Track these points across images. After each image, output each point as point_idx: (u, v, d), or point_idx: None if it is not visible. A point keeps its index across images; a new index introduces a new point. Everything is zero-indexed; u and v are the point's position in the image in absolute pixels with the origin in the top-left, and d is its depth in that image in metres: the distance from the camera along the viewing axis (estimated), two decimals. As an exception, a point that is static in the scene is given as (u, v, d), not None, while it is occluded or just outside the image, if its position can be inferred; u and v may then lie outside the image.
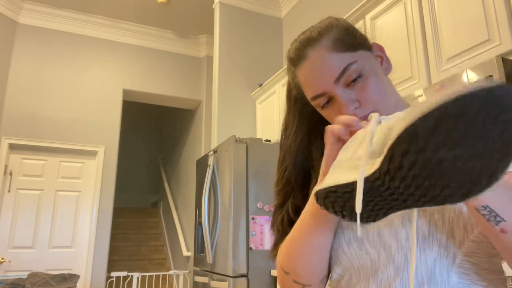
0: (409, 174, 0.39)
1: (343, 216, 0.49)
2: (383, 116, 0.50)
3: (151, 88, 4.70)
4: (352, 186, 0.44)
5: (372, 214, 0.47)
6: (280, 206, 0.73)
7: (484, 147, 0.37)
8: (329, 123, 0.73)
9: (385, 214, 0.47)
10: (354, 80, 0.62)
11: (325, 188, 0.46)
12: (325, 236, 0.62)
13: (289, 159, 0.74)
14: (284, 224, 0.71)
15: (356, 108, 0.62)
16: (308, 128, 0.75)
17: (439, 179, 0.39)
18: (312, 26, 0.68)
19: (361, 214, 0.47)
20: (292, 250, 0.64)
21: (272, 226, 0.74)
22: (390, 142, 0.39)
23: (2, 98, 3.96)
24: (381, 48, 0.70)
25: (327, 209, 0.49)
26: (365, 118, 0.63)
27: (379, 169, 0.41)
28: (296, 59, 0.67)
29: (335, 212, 0.49)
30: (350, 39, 0.65)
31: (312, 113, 0.74)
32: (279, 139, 0.81)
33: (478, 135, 0.37)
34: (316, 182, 0.68)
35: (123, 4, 4.33)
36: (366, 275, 0.60)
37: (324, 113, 0.68)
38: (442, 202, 0.41)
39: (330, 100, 0.65)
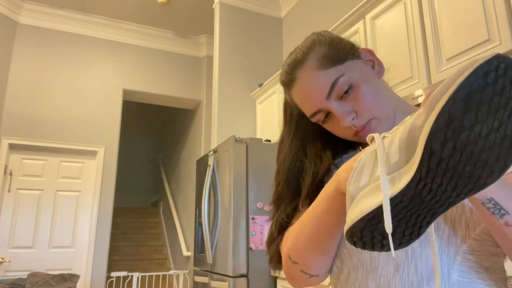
0: (450, 164, 0.37)
1: (378, 246, 0.46)
2: (383, 134, 0.50)
3: (151, 88, 4.70)
4: (379, 208, 0.41)
5: (406, 234, 0.44)
6: (273, 218, 0.75)
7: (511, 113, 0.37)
8: (325, 136, 0.75)
9: (429, 222, 0.44)
10: (346, 92, 0.64)
11: (351, 227, 0.43)
12: (338, 234, 0.61)
13: (282, 173, 0.75)
14: (281, 231, 0.72)
15: (353, 119, 0.64)
16: (302, 142, 0.76)
17: (478, 159, 0.38)
18: (297, 47, 0.71)
19: (394, 237, 0.44)
20: (303, 243, 0.64)
21: (268, 240, 0.76)
22: (423, 137, 0.38)
23: (2, 98, 3.96)
24: (370, 52, 0.70)
25: (357, 246, 0.46)
26: (363, 127, 0.65)
27: (418, 172, 0.39)
28: (288, 82, 0.71)
29: (365, 246, 0.45)
30: (335, 53, 0.66)
31: (308, 126, 0.76)
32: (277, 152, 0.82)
33: (505, 102, 0.37)
34: (306, 195, 0.70)
35: (123, 4, 4.33)
36: (365, 272, 0.60)
37: (327, 126, 0.70)
38: (484, 185, 0.40)
39: (328, 114, 0.67)
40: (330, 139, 0.75)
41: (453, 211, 0.56)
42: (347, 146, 0.76)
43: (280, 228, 0.72)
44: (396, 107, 0.68)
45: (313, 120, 0.69)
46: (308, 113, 0.68)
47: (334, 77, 0.64)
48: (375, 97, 0.65)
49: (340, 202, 0.55)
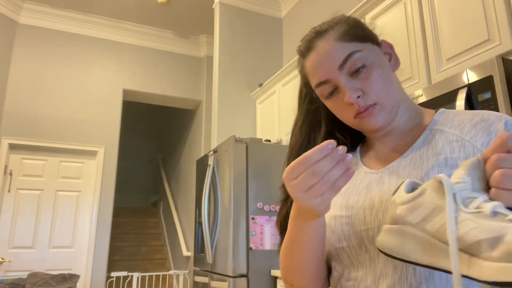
0: None
1: None
2: (414, 180, 0.49)
3: (151, 88, 4.70)
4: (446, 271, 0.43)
5: None
6: (284, 201, 0.75)
7: None
8: (332, 121, 0.75)
9: None
10: (358, 70, 0.64)
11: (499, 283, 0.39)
12: (312, 235, 0.61)
13: (293, 158, 0.75)
14: (286, 219, 0.72)
15: (358, 97, 0.63)
16: (311, 128, 0.77)
17: None
18: (323, 22, 0.71)
19: None
20: (288, 263, 0.66)
21: (277, 222, 0.76)
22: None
23: (2, 98, 3.96)
24: (390, 46, 0.71)
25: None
26: (367, 108, 0.64)
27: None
28: (305, 50, 0.70)
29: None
30: (358, 32, 0.67)
31: (317, 111, 0.76)
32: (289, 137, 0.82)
33: None
34: None
35: (123, 4, 4.33)
36: (364, 273, 0.60)
37: (329, 103, 0.69)
38: None
39: (334, 91, 0.67)
40: (334, 131, 0.76)
41: None
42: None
43: (286, 228, 0.72)
44: (401, 101, 0.68)
45: (318, 91, 0.69)
46: (315, 81, 0.68)
47: (351, 50, 0.64)
48: (385, 83, 0.65)
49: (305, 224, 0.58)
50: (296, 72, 3.09)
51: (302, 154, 0.71)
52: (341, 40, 0.66)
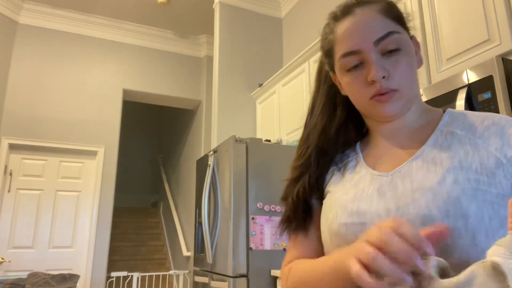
0: None
1: None
2: (437, 258, 0.45)
3: (151, 88, 4.70)
4: None
5: None
6: (296, 180, 0.74)
7: None
8: (347, 110, 0.73)
9: None
10: (391, 52, 0.62)
11: None
12: None
13: (312, 138, 0.74)
14: (299, 196, 0.72)
15: (383, 78, 0.61)
16: (330, 111, 0.75)
17: None
18: None
19: None
20: None
21: (286, 197, 0.75)
22: None
23: (2, 98, 3.96)
24: (418, 44, 0.70)
25: None
26: (387, 92, 0.62)
27: None
28: (341, 13, 0.67)
29: None
30: (399, 15, 0.66)
31: (335, 95, 0.74)
32: (306, 118, 0.80)
33: None
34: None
35: (123, 4, 4.33)
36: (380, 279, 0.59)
37: (347, 78, 0.66)
38: None
39: (359, 65, 0.64)
40: (348, 122, 0.75)
41: (473, 220, 0.55)
42: (346, 143, 0.75)
43: (297, 204, 0.72)
44: (416, 97, 0.67)
45: (341, 61, 0.65)
46: (344, 50, 0.64)
47: (392, 29, 0.63)
48: (411, 74, 0.63)
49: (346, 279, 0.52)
50: (296, 72, 3.09)
51: (320, 136, 0.73)
52: (383, 15, 0.64)
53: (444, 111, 0.71)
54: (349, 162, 0.72)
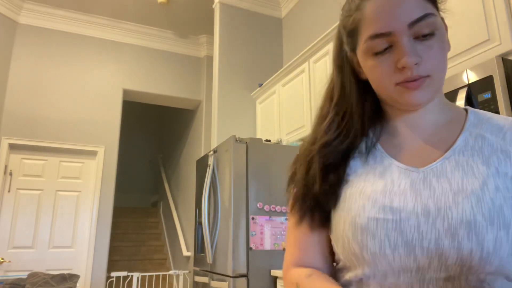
0: None
1: None
2: None
3: (151, 88, 4.70)
4: None
5: None
6: (327, 144, 0.67)
7: None
8: (362, 102, 0.67)
9: None
10: (425, 36, 0.57)
11: None
12: None
13: (323, 131, 0.67)
14: (328, 165, 0.65)
15: (416, 64, 0.56)
16: (347, 101, 0.67)
17: None
18: None
19: None
20: None
21: (292, 178, 0.69)
22: None
23: (2, 98, 3.96)
24: (447, 28, 0.67)
25: None
26: (417, 79, 0.57)
27: None
28: None
29: None
30: None
31: (353, 85, 0.68)
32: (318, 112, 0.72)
33: None
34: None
35: (123, 4, 4.33)
36: (409, 281, 0.55)
37: (373, 61, 0.60)
38: None
39: (387, 48, 0.58)
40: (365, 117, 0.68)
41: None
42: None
43: (310, 161, 0.66)
44: (443, 85, 0.63)
45: (368, 43, 0.59)
46: (374, 30, 0.58)
47: (429, 11, 0.57)
48: (443, 59, 0.59)
49: None
50: (296, 72, 3.09)
51: (332, 131, 0.66)
52: None
53: (466, 110, 0.68)
54: (370, 148, 0.66)
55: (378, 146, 0.66)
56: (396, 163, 0.62)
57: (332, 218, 0.63)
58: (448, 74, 1.71)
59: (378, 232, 0.56)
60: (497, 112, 1.40)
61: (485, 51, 1.59)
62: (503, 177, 0.56)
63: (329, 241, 0.65)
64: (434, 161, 0.60)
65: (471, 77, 1.52)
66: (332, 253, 0.66)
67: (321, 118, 0.69)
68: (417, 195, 0.57)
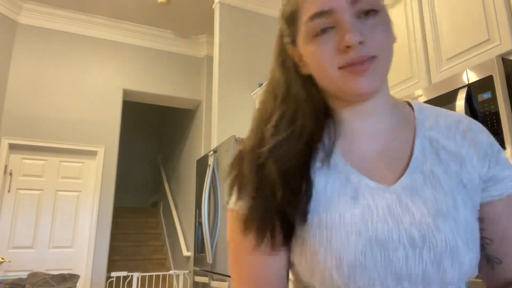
0: None
1: None
2: None
3: (151, 88, 4.70)
4: None
5: None
6: (282, 144, 0.59)
7: None
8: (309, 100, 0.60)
9: None
10: (368, 14, 0.52)
11: None
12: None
13: (303, 114, 0.59)
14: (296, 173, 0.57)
15: (360, 43, 0.51)
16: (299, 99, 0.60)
17: None
18: None
19: None
20: None
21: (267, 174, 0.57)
22: None
23: (2, 98, 3.96)
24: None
25: None
26: (364, 60, 0.51)
27: None
28: None
29: None
30: None
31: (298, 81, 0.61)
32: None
33: None
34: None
35: (123, 4, 4.33)
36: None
37: (313, 45, 0.54)
38: None
39: (327, 29, 0.53)
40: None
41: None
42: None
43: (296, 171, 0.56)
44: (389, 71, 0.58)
45: (310, 25, 0.54)
46: (314, 9, 0.53)
47: None
48: (389, 40, 0.54)
49: None
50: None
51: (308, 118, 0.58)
52: None
53: (410, 105, 0.64)
54: (329, 157, 0.58)
55: (338, 153, 0.58)
56: (364, 180, 0.56)
57: (301, 241, 0.54)
58: (448, 74, 1.71)
59: (368, 268, 0.51)
60: (497, 113, 1.40)
61: (485, 51, 1.59)
62: (462, 187, 0.55)
63: (288, 265, 0.57)
64: (401, 176, 0.56)
65: (471, 77, 1.52)
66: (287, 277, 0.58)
67: (265, 116, 0.61)
68: (399, 222, 0.52)
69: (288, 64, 0.62)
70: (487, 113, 1.43)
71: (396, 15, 2.07)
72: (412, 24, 1.96)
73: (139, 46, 4.75)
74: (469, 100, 1.49)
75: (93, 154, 4.28)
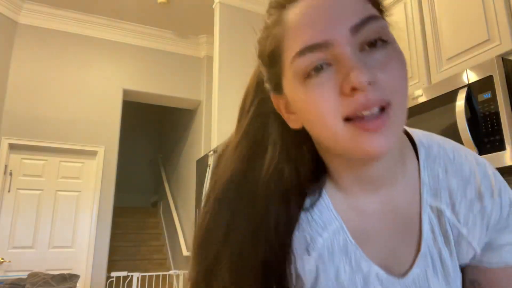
0: None
1: None
2: None
3: (151, 88, 4.70)
4: None
5: None
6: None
7: None
8: (286, 138, 0.50)
9: None
10: (375, 45, 0.41)
11: None
12: None
13: (222, 198, 0.48)
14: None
15: (370, 84, 0.39)
16: (255, 145, 0.50)
17: None
18: None
19: None
20: None
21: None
22: None
23: (2, 98, 3.96)
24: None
25: None
26: (374, 104, 0.39)
27: None
28: None
29: None
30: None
31: (267, 119, 0.51)
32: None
33: None
34: None
35: (123, 4, 4.33)
36: None
37: (304, 89, 0.42)
38: None
39: (323, 67, 0.41)
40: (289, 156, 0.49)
41: None
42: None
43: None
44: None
45: (298, 62, 0.41)
46: (304, 43, 0.41)
47: (373, 13, 0.41)
48: (406, 79, 0.42)
49: None
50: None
51: (236, 192, 0.47)
52: None
53: (412, 142, 0.53)
54: (335, 236, 0.49)
55: (341, 222, 0.50)
56: (374, 269, 0.49)
57: None
58: (448, 74, 1.71)
59: None
60: (497, 113, 1.40)
61: (485, 51, 1.59)
62: (459, 265, 0.51)
63: None
64: (411, 265, 0.50)
65: (471, 77, 1.52)
66: None
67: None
68: None
69: (270, 119, 0.51)
70: (487, 113, 1.43)
71: (396, 15, 2.07)
72: (412, 24, 1.96)
73: (139, 46, 4.75)
74: (469, 100, 1.49)
75: (93, 154, 4.28)
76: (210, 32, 4.72)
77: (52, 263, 3.90)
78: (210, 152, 2.96)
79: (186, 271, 4.29)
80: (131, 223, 5.95)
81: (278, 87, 0.47)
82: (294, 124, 0.47)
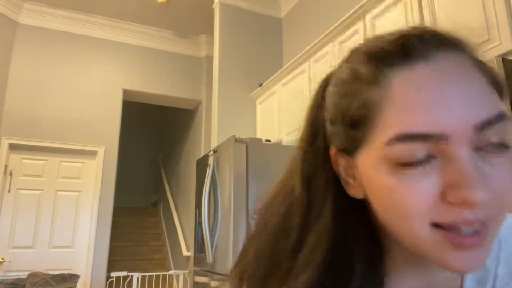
0: None
1: None
2: None
3: (151, 88, 4.70)
4: None
5: None
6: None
7: None
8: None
9: None
10: (491, 149, 0.33)
11: None
12: None
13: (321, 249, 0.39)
14: None
15: (483, 195, 0.31)
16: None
17: None
18: (425, 25, 0.37)
19: None
20: None
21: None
22: None
23: (2, 98, 3.96)
24: None
25: None
26: (478, 222, 0.32)
27: None
28: (405, 53, 0.34)
29: None
30: (499, 82, 0.36)
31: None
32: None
33: None
34: None
35: (123, 4, 4.33)
36: None
37: (395, 178, 0.33)
38: None
39: (424, 161, 0.32)
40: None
41: None
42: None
43: None
44: None
45: (396, 147, 0.32)
46: (415, 127, 0.32)
47: (503, 109, 0.33)
48: None
49: None
50: (296, 72, 3.08)
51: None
52: (484, 77, 0.34)
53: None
54: None
55: None
56: None
57: None
58: (448, 74, 1.71)
59: None
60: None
61: (485, 51, 1.59)
62: None
63: None
64: None
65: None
66: None
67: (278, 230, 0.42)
68: None
69: (319, 179, 0.41)
70: (487, 113, 1.43)
71: (396, 15, 2.07)
72: (412, 24, 1.96)
73: (139, 46, 4.75)
74: (469, 100, 1.49)
75: (93, 154, 4.28)
76: (210, 32, 4.72)
77: (52, 263, 3.91)
78: (210, 152, 2.96)
79: (186, 271, 4.29)
80: (131, 223, 5.95)
81: (349, 152, 0.38)
82: (354, 191, 0.39)
